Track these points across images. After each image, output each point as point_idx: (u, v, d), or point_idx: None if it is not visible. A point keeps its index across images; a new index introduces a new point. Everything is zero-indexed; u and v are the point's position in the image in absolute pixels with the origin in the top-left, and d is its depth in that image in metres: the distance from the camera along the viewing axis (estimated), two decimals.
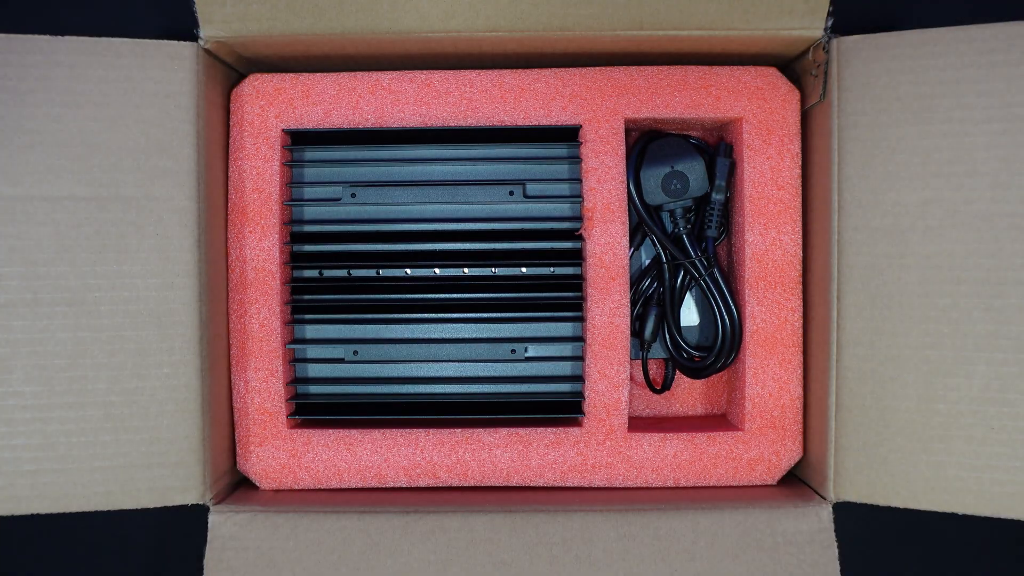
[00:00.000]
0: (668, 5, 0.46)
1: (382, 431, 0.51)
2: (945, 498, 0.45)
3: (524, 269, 0.53)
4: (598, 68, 0.51)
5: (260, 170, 0.51)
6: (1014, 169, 0.43)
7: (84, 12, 0.58)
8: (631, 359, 0.52)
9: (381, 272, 0.53)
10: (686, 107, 0.51)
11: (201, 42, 0.47)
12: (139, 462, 0.46)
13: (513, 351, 0.53)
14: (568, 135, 0.52)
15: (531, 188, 0.53)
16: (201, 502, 0.47)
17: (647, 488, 0.51)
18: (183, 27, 0.47)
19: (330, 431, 0.51)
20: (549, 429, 0.51)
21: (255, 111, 0.51)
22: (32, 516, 0.45)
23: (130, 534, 0.58)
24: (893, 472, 0.46)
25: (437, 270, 0.53)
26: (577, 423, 0.52)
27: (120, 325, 0.45)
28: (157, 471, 0.46)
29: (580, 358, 0.52)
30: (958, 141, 0.44)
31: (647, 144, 0.52)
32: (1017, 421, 0.43)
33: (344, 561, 0.45)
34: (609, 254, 0.51)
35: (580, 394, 0.52)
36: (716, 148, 0.53)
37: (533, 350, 0.53)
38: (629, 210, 0.52)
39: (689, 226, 0.52)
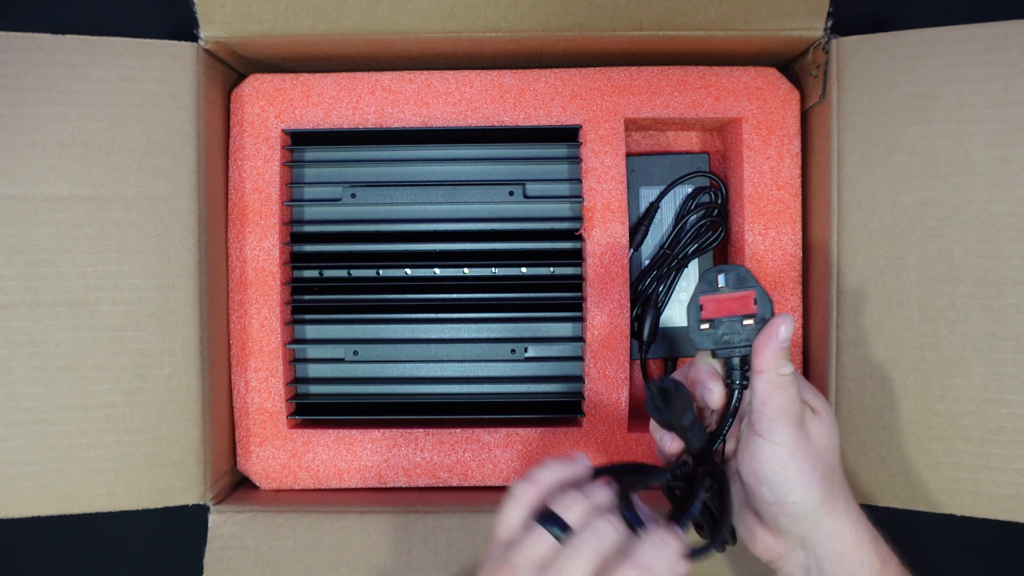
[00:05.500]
0: (668, 5, 0.46)
1: (382, 431, 0.51)
2: (943, 499, 0.45)
3: (524, 269, 0.53)
4: (598, 68, 0.51)
5: (260, 170, 0.51)
6: (1012, 169, 0.43)
7: (85, 11, 0.58)
8: (631, 359, 0.52)
9: (381, 272, 0.53)
10: (686, 107, 0.51)
11: (201, 42, 0.47)
12: (140, 463, 0.46)
13: (513, 351, 0.53)
14: (568, 135, 0.52)
15: (531, 188, 0.53)
16: (202, 502, 0.47)
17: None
18: (184, 27, 0.47)
19: (330, 431, 0.51)
20: (549, 429, 0.51)
21: (255, 111, 0.51)
22: (33, 517, 0.45)
23: (130, 534, 0.58)
24: (892, 472, 0.46)
25: (437, 270, 0.53)
26: (577, 423, 0.52)
27: (121, 325, 0.45)
28: (158, 471, 0.46)
29: (580, 358, 0.52)
30: (956, 141, 0.44)
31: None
32: (1015, 422, 0.43)
33: (344, 561, 0.45)
34: (609, 254, 0.51)
35: (580, 394, 0.52)
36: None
37: (533, 350, 0.53)
38: (629, 210, 0.52)
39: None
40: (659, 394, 0.36)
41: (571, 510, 0.33)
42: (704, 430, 0.38)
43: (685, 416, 0.37)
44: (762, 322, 0.37)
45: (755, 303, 0.37)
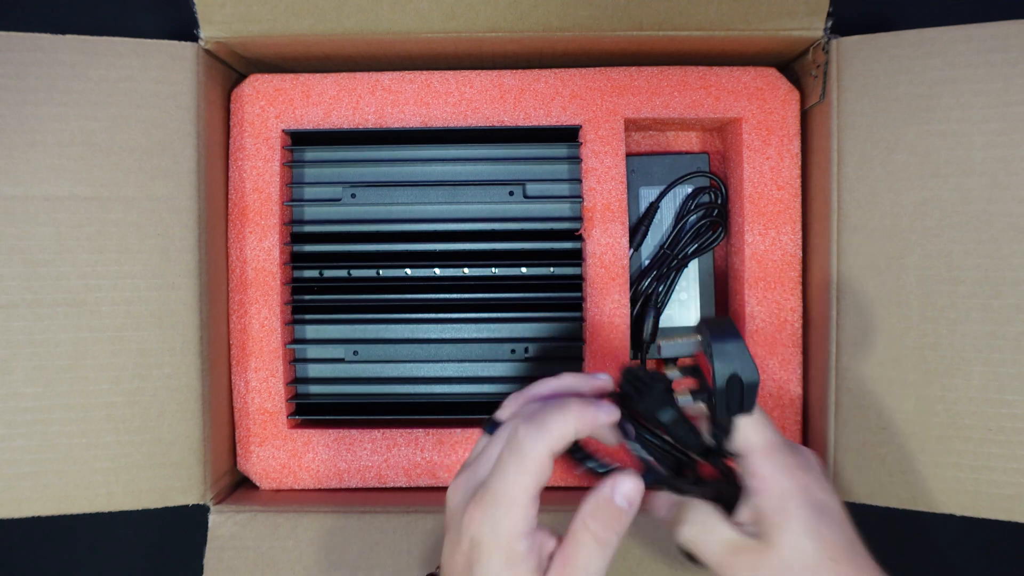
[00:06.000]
0: (668, 5, 0.46)
1: (382, 431, 0.51)
2: (943, 499, 0.45)
3: (524, 269, 0.53)
4: (598, 68, 0.51)
5: (260, 170, 0.51)
6: (1012, 169, 0.43)
7: (85, 11, 0.58)
8: (631, 359, 0.52)
9: (381, 272, 0.53)
10: (686, 107, 0.51)
11: (201, 42, 0.47)
12: (140, 463, 0.46)
13: (513, 351, 0.53)
14: (568, 135, 0.53)
15: (531, 188, 0.53)
16: (202, 502, 0.47)
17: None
18: (184, 27, 0.47)
19: (330, 431, 0.51)
20: None
21: (255, 111, 0.51)
22: (33, 517, 0.45)
23: (130, 534, 0.58)
24: (892, 472, 0.46)
25: (437, 270, 0.53)
26: None
27: (121, 325, 0.45)
28: (158, 471, 0.46)
29: (580, 358, 0.52)
30: (956, 141, 0.44)
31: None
32: (1015, 422, 0.43)
33: (344, 561, 0.45)
34: (609, 254, 0.51)
35: None
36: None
37: (533, 350, 0.53)
38: (629, 210, 0.52)
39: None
40: (625, 377, 0.35)
41: (506, 409, 0.32)
42: (698, 435, 0.36)
43: (663, 413, 0.35)
44: (703, 397, 0.35)
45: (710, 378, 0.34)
